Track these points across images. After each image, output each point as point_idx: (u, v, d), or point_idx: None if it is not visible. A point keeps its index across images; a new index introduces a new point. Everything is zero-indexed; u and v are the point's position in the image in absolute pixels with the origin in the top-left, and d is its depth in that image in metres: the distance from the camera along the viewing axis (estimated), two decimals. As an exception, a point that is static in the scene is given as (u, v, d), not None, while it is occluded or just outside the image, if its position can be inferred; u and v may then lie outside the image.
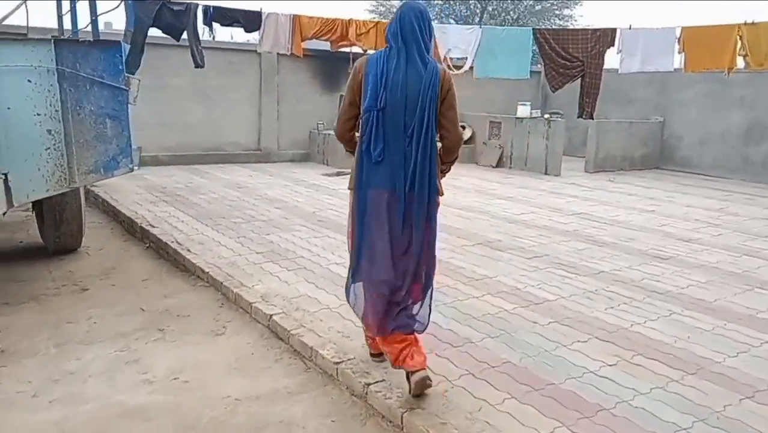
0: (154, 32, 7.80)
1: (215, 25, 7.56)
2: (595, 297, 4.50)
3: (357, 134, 3.05)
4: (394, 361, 2.99)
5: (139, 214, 6.59)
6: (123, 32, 7.80)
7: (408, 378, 2.93)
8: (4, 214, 3.86)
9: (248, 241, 5.74)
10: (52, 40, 3.83)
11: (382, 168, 2.91)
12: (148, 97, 10.75)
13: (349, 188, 3.07)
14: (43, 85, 3.82)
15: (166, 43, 9.98)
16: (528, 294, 4.51)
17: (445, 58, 10.14)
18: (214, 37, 7.75)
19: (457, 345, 3.57)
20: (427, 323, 3.11)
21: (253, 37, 9.34)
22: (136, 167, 8.68)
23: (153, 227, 6.07)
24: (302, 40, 9.64)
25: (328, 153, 11.44)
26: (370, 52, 10.12)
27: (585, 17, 39.84)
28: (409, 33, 2.89)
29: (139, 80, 4.34)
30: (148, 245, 5.89)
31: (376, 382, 3.08)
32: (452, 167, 3.20)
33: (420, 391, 2.89)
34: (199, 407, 3.04)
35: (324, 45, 10.69)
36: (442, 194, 3.04)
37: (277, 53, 11.27)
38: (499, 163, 11.89)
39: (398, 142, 2.89)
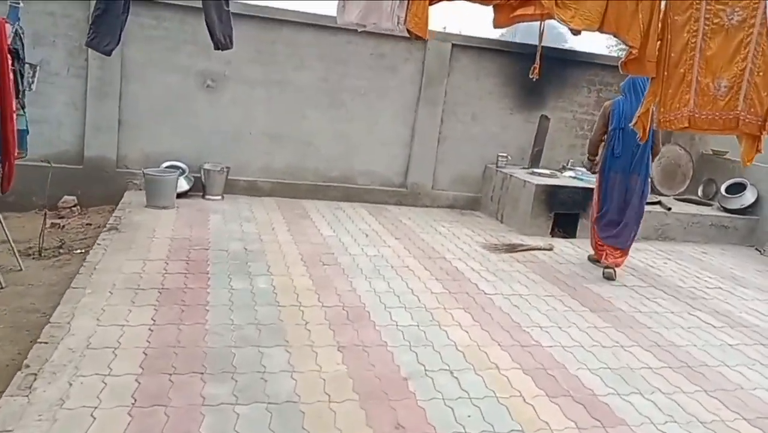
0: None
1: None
2: None
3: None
4: (601, 258, 5.64)
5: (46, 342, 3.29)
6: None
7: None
8: None
9: None
10: None
11: (619, 160, 5.36)
12: (256, 96, 6.87)
13: (593, 172, 5.76)
14: None
15: (294, 20, 6.91)
16: None
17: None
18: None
19: None
20: (628, 246, 5.59)
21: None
22: (218, 198, 6.20)
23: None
24: (430, 3, 4.24)
25: (506, 203, 7.32)
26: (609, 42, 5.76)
27: None
28: (638, 89, 5.15)
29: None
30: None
31: None
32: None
33: (606, 276, 5.46)
34: None
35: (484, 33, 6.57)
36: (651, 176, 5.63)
37: (452, 44, 7.48)
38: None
39: (629, 147, 5.26)
